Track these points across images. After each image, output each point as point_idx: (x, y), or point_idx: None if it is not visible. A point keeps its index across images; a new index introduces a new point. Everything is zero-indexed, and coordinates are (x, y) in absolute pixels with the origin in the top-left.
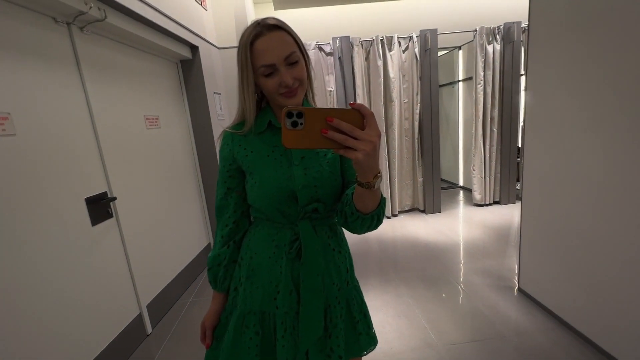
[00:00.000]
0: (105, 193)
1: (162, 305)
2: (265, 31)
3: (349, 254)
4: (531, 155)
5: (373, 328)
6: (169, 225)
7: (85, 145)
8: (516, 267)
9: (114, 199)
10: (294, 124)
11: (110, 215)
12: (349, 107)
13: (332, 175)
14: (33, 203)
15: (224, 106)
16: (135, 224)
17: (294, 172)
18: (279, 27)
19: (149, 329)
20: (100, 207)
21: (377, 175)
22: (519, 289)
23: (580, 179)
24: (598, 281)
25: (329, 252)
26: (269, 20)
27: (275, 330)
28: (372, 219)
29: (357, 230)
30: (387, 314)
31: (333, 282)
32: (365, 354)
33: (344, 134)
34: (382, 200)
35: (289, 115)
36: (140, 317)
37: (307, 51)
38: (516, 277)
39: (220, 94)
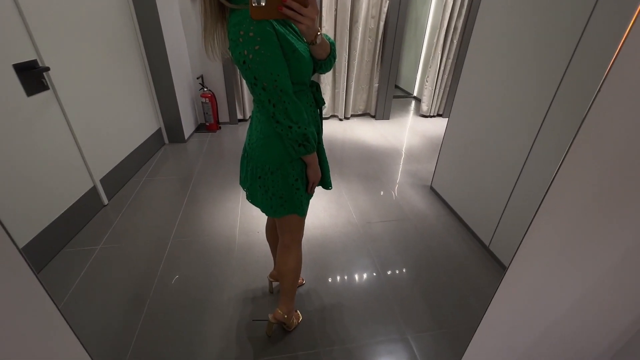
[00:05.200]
0: (35, 61)
1: (116, 180)
2: None
3: None
4: (467, 73)
5: None
6: (114, 104)
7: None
8: (433, 170)
9: (47, 69)
10: (258, 2)
11: (46, 87)
12: None
13: None
14: None
15: None
16: (76, 99)
17: (308, 47)
18: None
19: (105, 201)
20: (32, 77)
21: (316, 35)
22: (431, 187)
23: (492, 100)
24: (483, 184)
25: None
26: None
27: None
28: (330, 60)
29: (326, 70)
30: (323, 199)
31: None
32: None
33: (292, 10)
34: (332, 45)
35: None
36: (94, 189)
37: None
38: (431, 178)
39: None
